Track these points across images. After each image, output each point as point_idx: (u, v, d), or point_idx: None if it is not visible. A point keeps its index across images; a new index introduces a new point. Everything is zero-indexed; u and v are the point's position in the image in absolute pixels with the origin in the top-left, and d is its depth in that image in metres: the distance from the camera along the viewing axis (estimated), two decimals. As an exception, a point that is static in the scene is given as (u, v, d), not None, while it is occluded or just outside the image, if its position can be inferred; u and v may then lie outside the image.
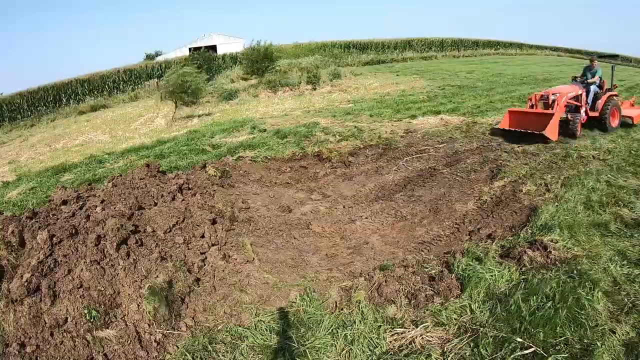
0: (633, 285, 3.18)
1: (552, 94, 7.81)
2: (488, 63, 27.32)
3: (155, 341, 2.83)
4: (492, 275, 3.28)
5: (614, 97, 8.68)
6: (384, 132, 8.98)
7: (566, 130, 7.84)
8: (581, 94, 8.14)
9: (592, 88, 8.45)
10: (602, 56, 9.36)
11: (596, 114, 8.38)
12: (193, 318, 3.07)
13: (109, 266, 3.14)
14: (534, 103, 8.19)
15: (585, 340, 2.58)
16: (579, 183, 5.34)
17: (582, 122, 8.17)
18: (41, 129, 18.39)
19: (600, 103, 8.36)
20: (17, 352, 2.64)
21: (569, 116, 7.82)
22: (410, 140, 8.37)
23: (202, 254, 3.69)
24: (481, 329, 2.70)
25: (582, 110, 8.13)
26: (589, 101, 8.48)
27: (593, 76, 8.72)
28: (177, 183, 4.99)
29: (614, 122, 8.56)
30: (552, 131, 7.32)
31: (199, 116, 13.67)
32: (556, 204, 4.72)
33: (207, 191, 5.15)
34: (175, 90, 13.00)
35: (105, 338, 2.79)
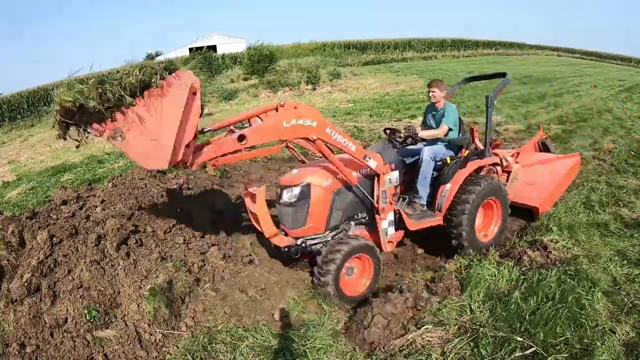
0: (633, 285, 3.18)
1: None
2: (488, 63, 27.32)
3: (155, 341, 2.83)
4: (492, 275, 3.28)
5: (492, 174, 4.27)
6: (383, 132, 8.97)
7: None
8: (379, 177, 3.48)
9: (427, 154, 3.80)
10: (476, 79, 5.07)
11: (436, 219, 3.78)
12: (193, 318, 3.07)
13: (109, 266, 3.13)
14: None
15: (585, 340, 2.58)
16: (579, 183, 5.33)
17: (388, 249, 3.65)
18: (41, 129, 18.37)
19: (447, 192, 3.74)
20: (17, 352, 2.64)
21: (316, 268, 3.35)
22: (410, 140, 8.36)
23: (202, 254, 3.70)
24: (481, 329, 2.70)
25: (384, 222, 3.52)
26: (421, 188, 3.81)
27: (437, 124, 4.05)
28: (177, 183, 5.00)
29: (491, 231, 4.08)
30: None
31: (199, 116, 13.65)
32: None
33: (207, 191, 5.15)
34: None
35: (105, 338, 2.79)
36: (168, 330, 2.91)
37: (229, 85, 20.63)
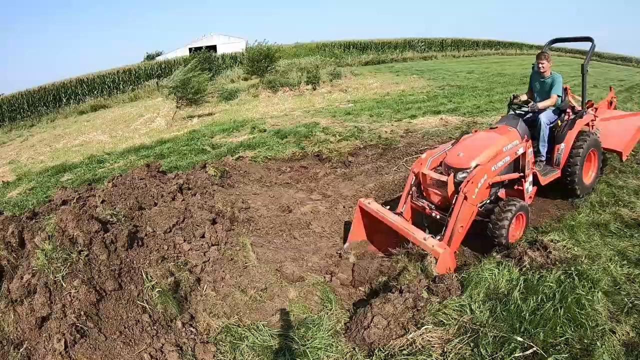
0: (633, 285, 3.18)
1: (462, 170, 3.89)
2: (488, 63, 27.32)
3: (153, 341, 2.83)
4: (492, 275, 3.28)
5: (590, 129, 4.96)
6: (384, 132, 8.98)
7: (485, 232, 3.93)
8: (524, 152, 4.18)
9: (544, 120, 4.56)
10: (561, 40, 5.51)
11: (556, 173, 4.62)
12: (193, 318, 3.07)
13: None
14: (415, 186, 4.29)
15: (585, 340, 2.58)
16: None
17: (528, 201, 4.26)
18: (41, 129, 18.38)
19: (563, 150, 4.57)
20: (16, 352, 2.65)
21: (493, 215, 3.88)
22: (410, 140, 8.37)
23: (202, 254, 3.70)
24: (481, 329, 2.70)
25: (527, 183, 4.26)
26: (542, 149, 4.66)
27: (545, 94, 4.71)
28: (177, 183, 4.99)
29: (590, 176, 4.97)
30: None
31: (199, 116, 13.67)
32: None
33: (207, 191, 5.15)
34: (179, 88, 13.02)
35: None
36: (167, 330, 2.91)
37: (229, 85, 20.65)
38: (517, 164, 4.27)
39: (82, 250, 3.03)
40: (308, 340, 2.78)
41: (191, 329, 2.98)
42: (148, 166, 5.31)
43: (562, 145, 4.60)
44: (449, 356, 2.54)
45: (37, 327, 2.76)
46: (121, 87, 25.99)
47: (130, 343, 2.76)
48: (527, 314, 2.76)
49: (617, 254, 3.66)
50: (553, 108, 4.75)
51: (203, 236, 3.94)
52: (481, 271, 3.32)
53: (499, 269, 3.34)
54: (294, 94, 16.53)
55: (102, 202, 4.24)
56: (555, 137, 4.67)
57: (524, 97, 5.01)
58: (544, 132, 4.59)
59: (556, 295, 2.90)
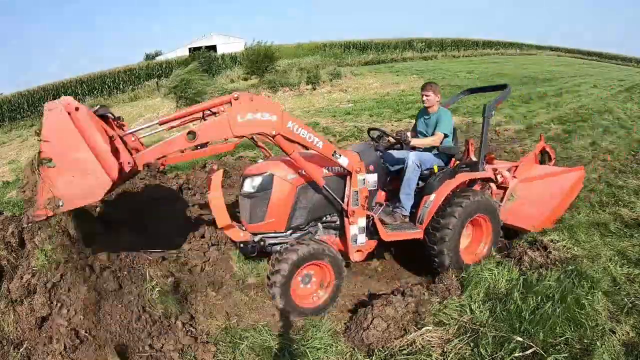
0: (633, 285, 3.18)
1: (254, 176, 3.09)
2: (488, 63, 27.35)
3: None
4: (492, 275, 3.28)
5: (490, 193, 3.99)
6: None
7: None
8: (350, 174, 3.05)
9: (413, 159, 3.44)
10: (476, 91, 4.78)
11: (416, 232, 3.41)
12: (193, 318, 3.07)
13: (109, 266, 3.13)
14: None
15: (585, 340, 2.58)
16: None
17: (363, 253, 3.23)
18: (41, 129, 18.34)
19: (431, 203, 3.37)
20: (16, 352, 2.64)
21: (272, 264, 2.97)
22: (410, 140, 8.37)
23: (202, 254, 3.70)
24: (481, 329, 2.70)
25: (353, 227, 3.12)
26: (405, 198, 3.48)
27: (428, 130, 3.80)
28: (177, 183, 5.00)
29: (478, 252, 3.70)
30: None
31: (199, 116, 13.65)
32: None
33: (207, 191, 5.15)
34: (179, 88, 13.02)
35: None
36: (167, 330, 2.91)
37: (229, 85, 20.63)
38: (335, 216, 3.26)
39: (82, 251, 3.03)
40: (308, 341, 2.78)
41: (191, 329, 2.97)
42: (148, 166, 5.30)
43: (432, 196, 3.36)
44: (448, 356, 2.54)
45: (37, 327, 2.76)
46: (121, 87, 26.01)
47: (131, 343, 2.76)
48: (527, 314, 2.76)
49: (617, 254, 3.66)
50: (433, 151, 3.69)
51: (203, 236, 3.94)
52: (481, 271, 3.32)
53: (498, 269, 3.34)
54: (294, 94, 16.53)
55: (102, 201, 4.24)
56: (426, 186, 3.47)
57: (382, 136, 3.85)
58: (409, 174, 3.40)
59: (556, 295, 2.90)
